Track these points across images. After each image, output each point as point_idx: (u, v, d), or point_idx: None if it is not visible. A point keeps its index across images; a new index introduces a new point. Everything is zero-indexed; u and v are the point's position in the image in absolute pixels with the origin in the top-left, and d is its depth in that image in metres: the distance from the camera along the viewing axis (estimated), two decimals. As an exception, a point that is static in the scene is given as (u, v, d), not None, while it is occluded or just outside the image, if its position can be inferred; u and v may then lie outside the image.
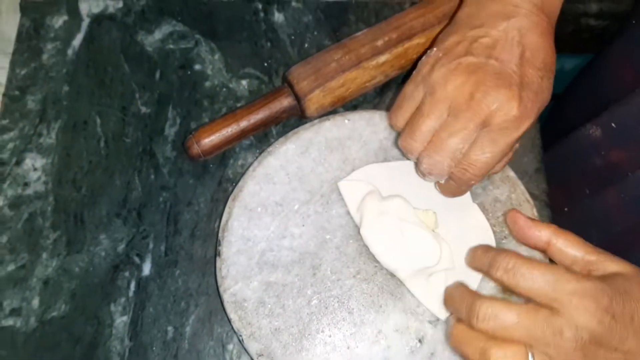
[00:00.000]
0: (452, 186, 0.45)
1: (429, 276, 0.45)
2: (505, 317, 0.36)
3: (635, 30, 0.60)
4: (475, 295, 0.39)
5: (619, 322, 0.36)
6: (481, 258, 0.40)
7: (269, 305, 0.45)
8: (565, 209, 0.65)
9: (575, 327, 0.35)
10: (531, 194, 0.51)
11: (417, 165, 0.45)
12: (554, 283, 0.36)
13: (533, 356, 0.36)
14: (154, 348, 0.48)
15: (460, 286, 0.41)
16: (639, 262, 0.54)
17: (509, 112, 0.41)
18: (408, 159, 0.46)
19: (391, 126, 0.46)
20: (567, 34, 0.84)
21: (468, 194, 0.48)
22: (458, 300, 0.40)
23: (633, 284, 0.37)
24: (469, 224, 0.48)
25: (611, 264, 0.39)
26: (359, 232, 0.47)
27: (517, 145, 0.44)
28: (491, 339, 0.37)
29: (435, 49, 0.44)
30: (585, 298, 0.35)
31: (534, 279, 0.37)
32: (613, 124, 0.57)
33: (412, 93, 0.44)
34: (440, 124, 0.42)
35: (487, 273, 0.40)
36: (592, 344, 0.35)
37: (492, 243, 0.47)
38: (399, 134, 0.45)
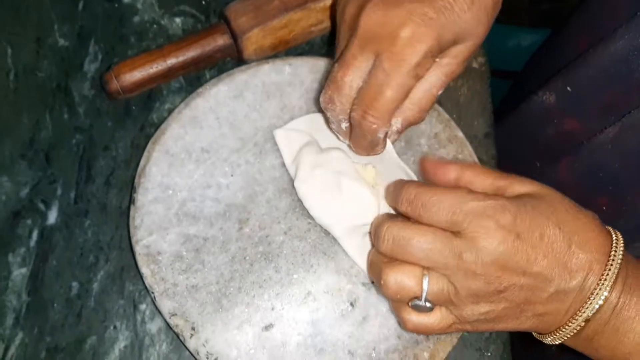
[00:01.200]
0: (359, 138, 0.40)
1: (365, 235, 0.41)
2: (403, 238, 0.34)
3: (592, 2, 0.58)
4: (385, 217, 0.37)
5: (526, 241, 0.33)
6: (391, 193, 0.38)
7: (187, 260, 0.41)
8: None
9: (475, 249, 0.33)
10: (480, 159, 0.48)
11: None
12: (453, 205, 0.33)
13: (428, 279, 0.34)
14: (55, 305, 0.42)
15: (381, 214, 0.38)
16: None
17: (395, 31, 0.36)
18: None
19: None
20: (524, 5, 0.82)
21: (392, 152, 0.42)
22: (373, 227, 0.37)
23: (543, 202, 0.34)
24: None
25: (521, 186, 0.36)
26: (293, 186, 0.43)
27: (434, 82, 0.39)
28: (390, 261, 0.35)
29: None
30: (484, 217, 0.33)
31: (434, 205, 0.34)
32: (568, 88, 0.54)
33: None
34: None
35: (395, 208, 0.37)
36: (496, 266, 0.33)
37: None
38: None
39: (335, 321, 0.40)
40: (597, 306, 0.33)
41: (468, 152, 0.46)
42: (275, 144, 0.44)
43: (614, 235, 0.35)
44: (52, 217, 0.44)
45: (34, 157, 0.46)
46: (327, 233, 0.42)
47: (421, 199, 0.34)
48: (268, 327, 0.39)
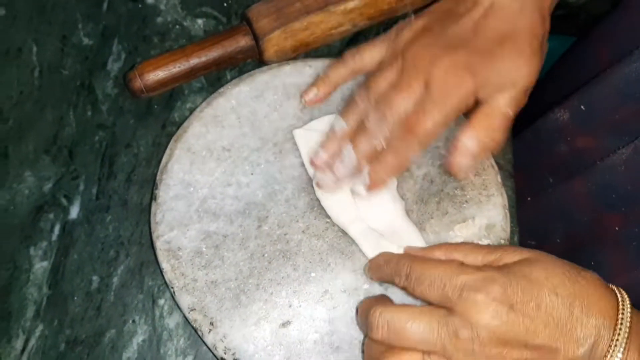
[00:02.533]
0: (389, 156, 0.41)
1: (381, 236, 0.41)
2: (397, 324, 0.33)
3: (620, 11, 0.58)
4: (374, 302, 0.36)
5: (521, 312, 0.31)
6: (384, 269, 0.38)
7: (207, 256, 0.41)
8: (529, 199, 0.62)
9: (470, 326, 0.31)
10: (497, 163, 0.48)
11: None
12: (444, 280, 0.33)
13: None
14: (76, 298, 0.43)
15: (367, 298, 0.39)
16: (606, 255, 0.52)
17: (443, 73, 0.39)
18: None
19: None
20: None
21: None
22: (361, 312, 0.37)
23: (536, 268, 0.33)
24: None
25: (512, 256, 0.35)
26: (312, 185, 0.43)
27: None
28: (388, 349, 0.34)
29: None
30: (474, 291, 0.32)
31: (426, 279, 0.34)
32: (582, 107, 0.54)
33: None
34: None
35: (393, 284, 0.37)
36: (494, 342, 0.31)
37: None
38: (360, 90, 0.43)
39: (352, 320, 0.40)
40: None
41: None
42: (294, 143, 0.45)
43: (619, 295, 0.33)
44: (74, 212, 0.45)
45: (58, 153, 0.47)
46: (344, 233, 0.43)
47: (416, 274, 0.34)
48: (285, 324, 0.40)
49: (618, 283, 0.44)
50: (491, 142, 0.41)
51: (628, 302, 0.33)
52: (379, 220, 0.42)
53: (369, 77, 0.43)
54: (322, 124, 0.45)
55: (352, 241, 0.42)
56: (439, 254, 0.37)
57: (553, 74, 0.71)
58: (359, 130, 0.41)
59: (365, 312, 0.35)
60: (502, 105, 0.41)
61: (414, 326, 0.32)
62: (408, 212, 0.43)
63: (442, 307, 0.33)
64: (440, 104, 0.39)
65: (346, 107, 0.43)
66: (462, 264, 0.34)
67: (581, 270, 0.34)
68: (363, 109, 0.41)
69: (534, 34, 0.41)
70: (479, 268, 0.33)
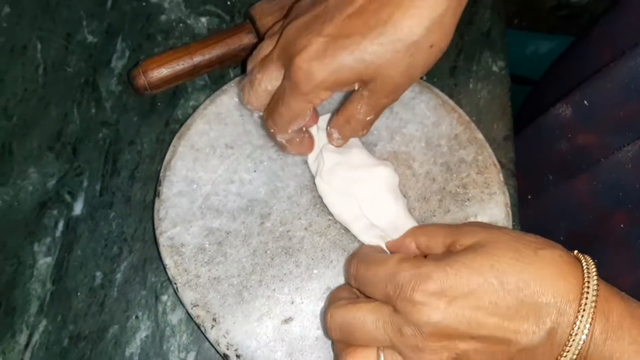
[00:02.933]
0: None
1: (384, 232, 0.41)
2: (347, 326, 0.34)
3: (619, 9, 0.58)
4: (328, 303, 0.38)
5: (461, 305, 0.31)
6: (345, 272, 0.39)
7: (210, 253, 0.41)
8: (529, 197, 0.62)
9: (411, 323, 0.31)
10: (499, 162, 0.48)
11: None
12: (385, 280, 0.33)
13: (383, 359, 0.33)
14: (79, 294, 0.43)
15: (329, 294, 0.40)
16: (610, 254, 0.52)
17: (298, 55, 0.37)
18: None
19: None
20: (545, 11, 0.82)
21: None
22: (321, 314, 0.39)
23: (481, 255, 0.32)
24: None
25: (467, 237, 0.34)
26: (314, 183, 0.44)
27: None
28: (346, 346, 0.35)
29: None
30: (411, 289, 0.31)
31: (371, 280, 0.34)
32: (585, 102, 0.54)
33: None
34: None
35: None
36: (437, 336, 0.31)
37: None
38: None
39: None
40: (574, 356, 0.30)
41: (488, 154, 0.47)
42: (297, 141, 0.45)
43: (585, 268, 0.32)
44: (78, 208, 0.45)
45: (62, 149, 0.47)
46: (347, 230, 0.43)
47: (360, 274, 0.35)
48: (287, 321, 0.40)
49: (623, 283, 0.44)
50: (350, 135, 0.42)
51: (594, 274, 0.31)
52: (381, 217, 0.42)
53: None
54: (324, 121, 0.45)
55: (355, 238, 0.42)
56: (408, 240, 0.38)
57: (553, 73, 0.71)
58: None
59: (322, 314, 0.37)
60: (367, 97, 0.39)
61: (363, 326, 0.33)
62: (410, 210, 0.44)
63: (388, 304, 0.33)
64: (290, 95, 0.38)
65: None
66: (402, 259, 0.34)
67: (540, 248, 0.32)
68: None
69: None
70: (418, 262, 0.33)
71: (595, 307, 0.30)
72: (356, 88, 0.39)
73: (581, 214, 0.55)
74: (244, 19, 0.49)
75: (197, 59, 0.46)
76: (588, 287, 0.31)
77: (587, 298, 0.30)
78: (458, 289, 0.31)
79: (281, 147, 0.44)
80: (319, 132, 0.44)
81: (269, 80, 0.40)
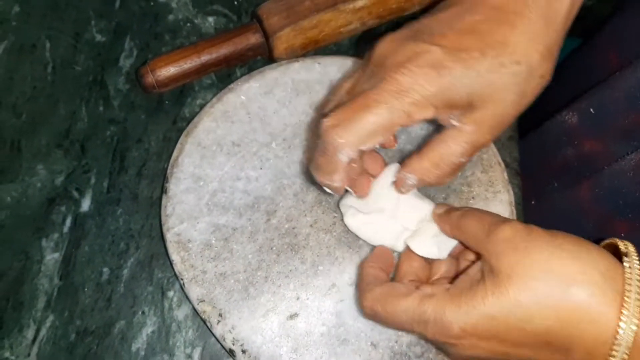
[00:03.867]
0: (320, 151, 0.35)
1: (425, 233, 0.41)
2: (380, 315, 0.35)
3: (626, 13, 0.58)
4: (364, 280, 0.38)
5: (484, 344, 0.32)
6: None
7: (216, 249, 0.42)
8: (533, 202, 0.62)
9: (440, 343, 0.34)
10: (503, 161, 0.49)
11: None
12: (411, 322, 0.34)
13: None
14: (86, 289, 0.44)
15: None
16: None
17: (401, 64, 0.33)
18: None
19: None
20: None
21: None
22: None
23: (507, 294, 0.31)
24: None
25: (493, 258, 0.32)
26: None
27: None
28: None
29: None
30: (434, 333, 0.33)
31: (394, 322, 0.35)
32: (591, 110, 0.54)
33: None
34: None
35: None
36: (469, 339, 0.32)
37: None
38: None
39: (359, 313, 0.41)
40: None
41: (492, 153, 0.47)
42: (303, 139, 0.45)
43: (625, 316, 0.29)
44: (86, 204, 0.46)
45: (70, 147, 0.47)
46: (352, 227, 0.43)
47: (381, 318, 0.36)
48: (293, 316, 0.40)
49: None
50: (435, 182, 0.37)
51: (634, 321, 0.29)
52: (415, 219, 0.40)
53: None
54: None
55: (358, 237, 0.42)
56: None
57: (559, 75, 0.71)
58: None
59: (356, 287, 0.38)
60: (468, 134, 0.34)
61: (394, 319, 0.35)
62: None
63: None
64: (385, 102, 0.32)
65: None
66: (421, 300, 0.33)
67: (573, 283, 0.29)
68: None
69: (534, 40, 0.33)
70: (440, 309, 0.32)
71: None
72: (454, 123, 0.34)
73: (583, 220, 0.55)
74: (251, 19, 0.49)
75: (205, 57, 0.47)
76: (620, 334, 0.29)
77: (618, 346, 0.29)
78: (481, 335, 0.31)
79: (327, 172, 0.36)
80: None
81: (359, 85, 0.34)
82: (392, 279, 0.39)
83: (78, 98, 0.49)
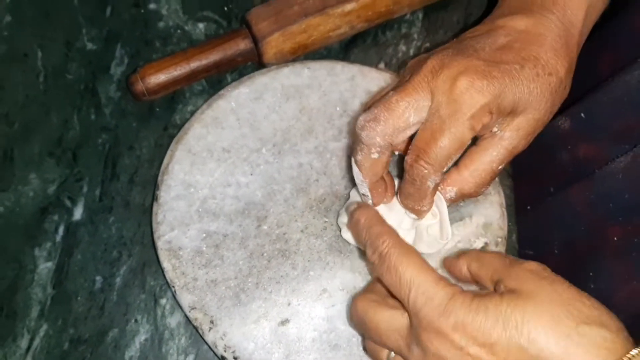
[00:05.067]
0: (408, 184, 0.38)
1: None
2: (365, 323, 0.35)
3: (619, 18, 0.58)
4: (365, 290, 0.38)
5: (476, 350, 0.30)
6: (362, 233, 0.37)
7: (207, 256, 0.42)
8: (528, 207, 0.62)
9: (423, 348, 0.32)
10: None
11: None
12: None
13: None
14: (79, 298, 0.44)
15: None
16: (606, 266, 0.51)
17: (455, 77, 0.35)
18: None
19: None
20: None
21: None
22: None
23: (519, 307, 0.30)
24: None
25: (512, 281, 0.32)
26: (309, 185, 0.44)
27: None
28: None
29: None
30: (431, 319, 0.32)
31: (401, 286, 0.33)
32: (582, 114, 0.54)
33: None
34: None
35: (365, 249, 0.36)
36: None
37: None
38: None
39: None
40: None
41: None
42: (293, 144, 0.45)
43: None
44: (78, 213, 0.46)
45: (62, 155, 0.48)
46: (343, 232, 0.43)
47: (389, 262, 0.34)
48: (284, 322, 0.40)
49: (619, 295, 0.44)
50: (474, 191, 0.39)
51: None
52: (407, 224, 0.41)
53: None
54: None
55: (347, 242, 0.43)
56: (461, 263, 0.36)
57: None
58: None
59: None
60: (507, 139, 0.37)
61: (377, 330, 0.34)
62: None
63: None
64: (450, 120, 0.35)
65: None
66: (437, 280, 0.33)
67: (585, 322, 0.29)
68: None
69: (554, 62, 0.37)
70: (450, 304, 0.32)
71: None
72: (494, 130, 0.37)
73: (577, 225, 0.55)
74: (241, 25, 0.49)
75: (194, 64, 0.47)
76: None
77: None
78: (478, 337, 0.30)
79: (419, 198, 0.38)
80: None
81: (410, 103, 0.35)
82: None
83: (70, 106, 0.49)
